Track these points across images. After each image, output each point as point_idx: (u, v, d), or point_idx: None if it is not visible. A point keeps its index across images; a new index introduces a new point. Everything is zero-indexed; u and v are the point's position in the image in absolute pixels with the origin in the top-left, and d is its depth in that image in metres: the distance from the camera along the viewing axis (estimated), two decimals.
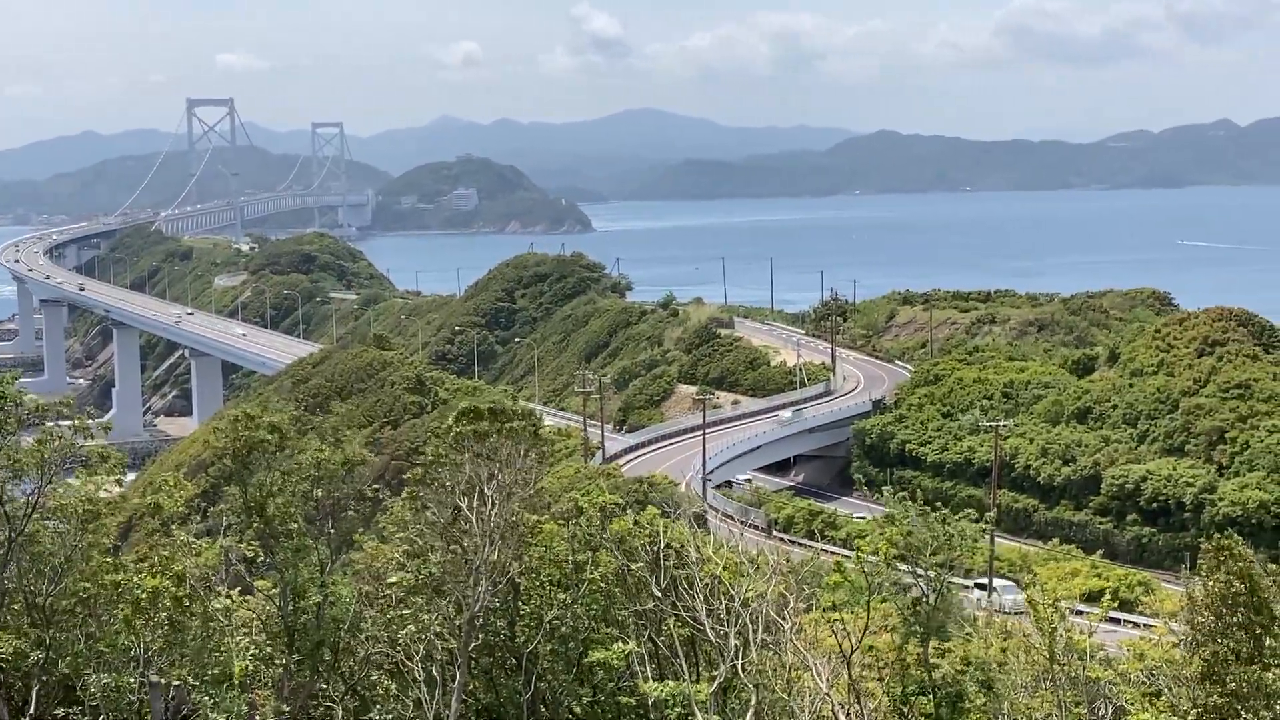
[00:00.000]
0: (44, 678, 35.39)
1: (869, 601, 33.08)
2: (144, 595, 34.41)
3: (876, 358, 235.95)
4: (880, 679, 35.56)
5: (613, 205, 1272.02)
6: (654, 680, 32.26)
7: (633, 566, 35.38)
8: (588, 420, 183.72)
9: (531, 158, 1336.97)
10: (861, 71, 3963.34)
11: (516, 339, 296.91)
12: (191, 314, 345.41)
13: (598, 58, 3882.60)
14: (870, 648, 34.59)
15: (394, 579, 36.12)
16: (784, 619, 33.06)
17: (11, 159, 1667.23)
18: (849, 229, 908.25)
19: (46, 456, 37.31)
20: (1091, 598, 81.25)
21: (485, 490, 34.94)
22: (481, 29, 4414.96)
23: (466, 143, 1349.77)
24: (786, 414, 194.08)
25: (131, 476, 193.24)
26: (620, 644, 33.74)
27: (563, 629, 35.00)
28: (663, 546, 34.65)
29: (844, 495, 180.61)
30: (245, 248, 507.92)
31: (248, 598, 36.89)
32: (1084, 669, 33.13)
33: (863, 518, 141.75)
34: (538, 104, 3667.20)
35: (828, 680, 31.18)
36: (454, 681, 33.34)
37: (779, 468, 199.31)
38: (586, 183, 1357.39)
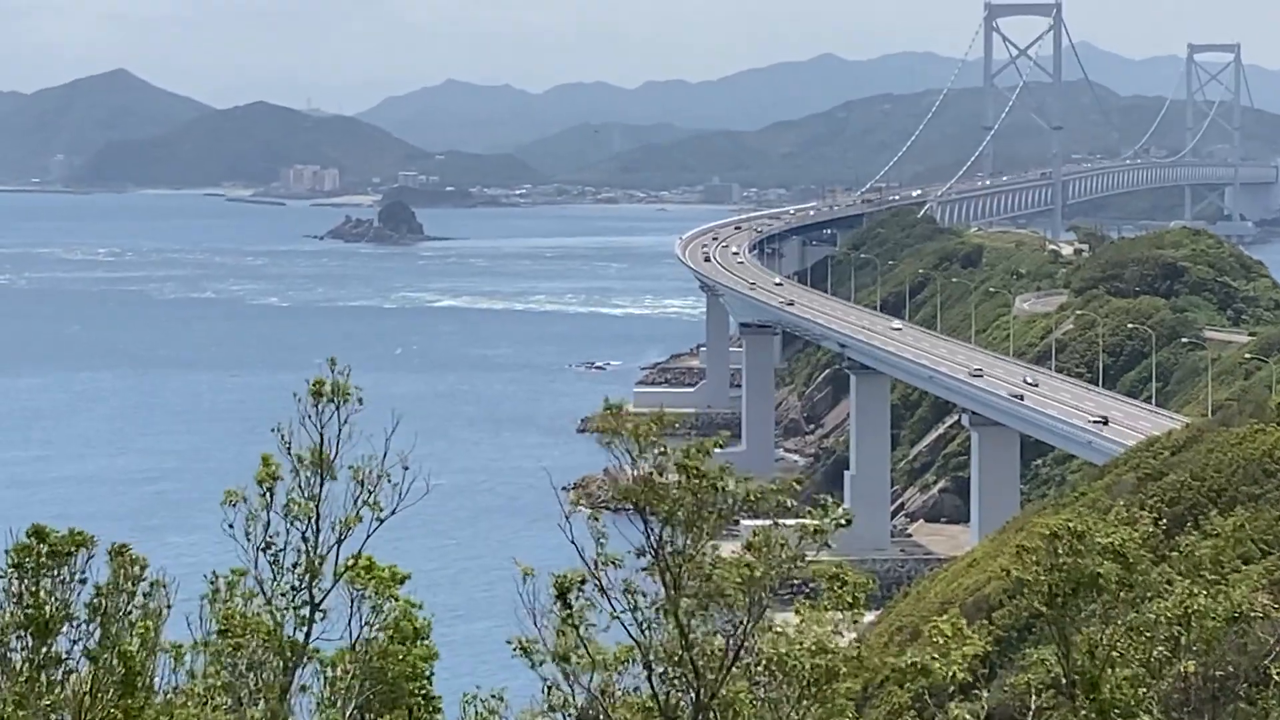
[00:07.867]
0: None
1: None
2: None
3: None
4: None
5: None
6: None
7: None
8: None
9: None
10: None
11: None
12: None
13: None
14: None
15: None
16: None
17: (705, 96, 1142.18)
18: None
19: (758, 575, 25.40)
20: None
21: None
22: None
23: None
24: None
25: (870, 616, 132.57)
26: None
27: None
28: None
29: None
30: (1067, 249, 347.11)
31: None
32: None
33: None
34: None
35: None
36: None
37: None
38: None
